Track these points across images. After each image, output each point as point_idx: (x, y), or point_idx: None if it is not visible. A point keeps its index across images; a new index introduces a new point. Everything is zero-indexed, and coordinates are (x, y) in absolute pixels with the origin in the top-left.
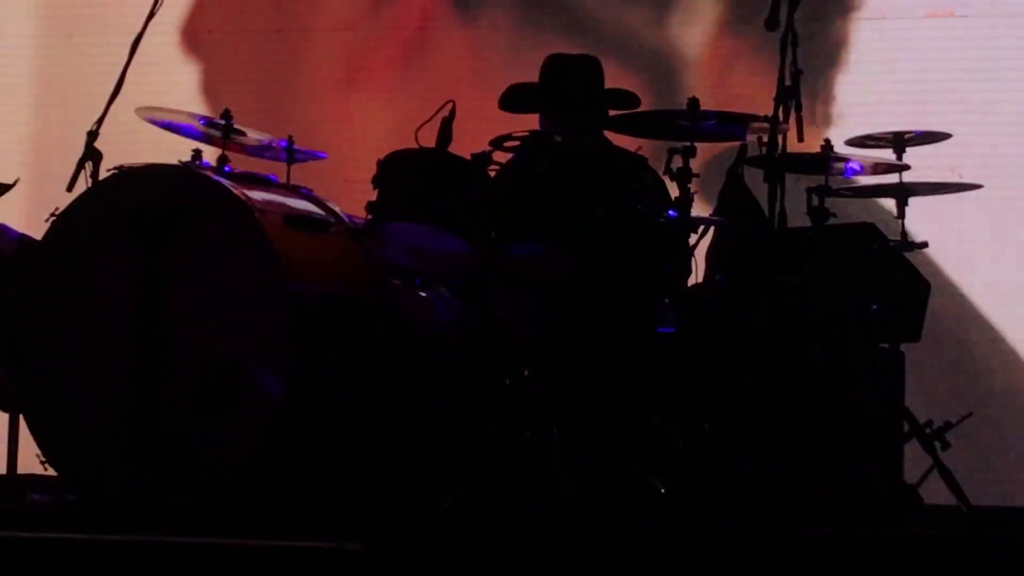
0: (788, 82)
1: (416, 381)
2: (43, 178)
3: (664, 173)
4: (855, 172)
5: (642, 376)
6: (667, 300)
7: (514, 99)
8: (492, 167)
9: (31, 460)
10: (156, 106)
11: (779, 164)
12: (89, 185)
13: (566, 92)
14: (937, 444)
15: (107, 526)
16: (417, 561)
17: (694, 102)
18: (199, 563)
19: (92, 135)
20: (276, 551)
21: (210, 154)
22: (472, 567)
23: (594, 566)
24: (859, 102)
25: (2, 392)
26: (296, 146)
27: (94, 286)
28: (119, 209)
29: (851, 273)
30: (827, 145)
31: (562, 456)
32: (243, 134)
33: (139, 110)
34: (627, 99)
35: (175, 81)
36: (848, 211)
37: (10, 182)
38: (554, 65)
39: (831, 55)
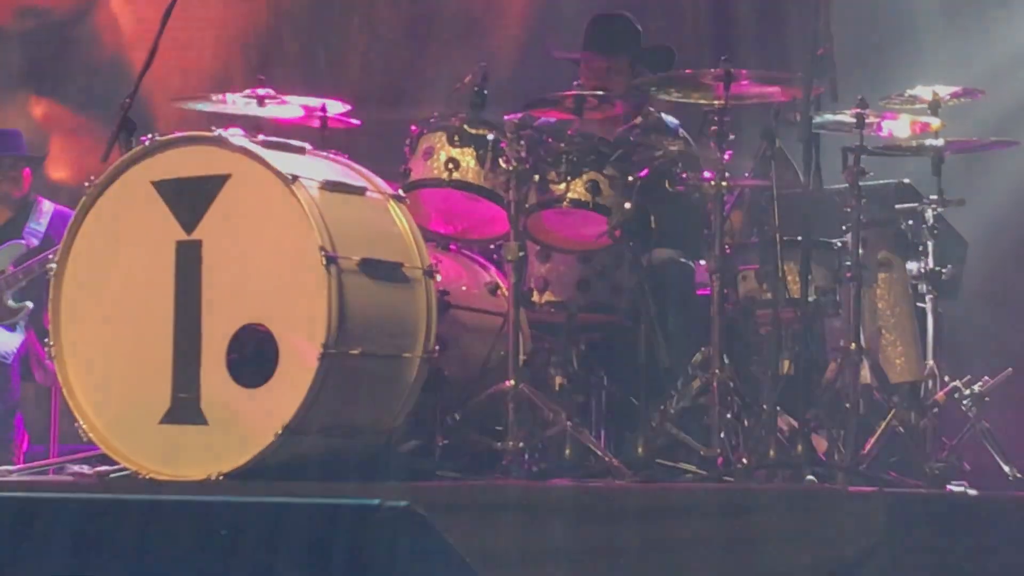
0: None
1: (451, 346)
2: (76, 149)
3: (699, 135)
4: (890, 131)
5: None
6: (703, 262)
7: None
8: (526, 130)
9: (71, 432)
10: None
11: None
12: (123, 155)
13: (596, 37)
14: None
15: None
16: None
17: (728, 63)
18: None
19: (125, 105)
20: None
21: None
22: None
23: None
24: (895, 62)
25: (41, 366)
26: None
27: (129, 256)
28: (154, 178)
29: (886, 232)
30: (862, 104)
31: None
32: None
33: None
34: (662, 53)
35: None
36: (884, 170)
37: (41, 155)
38: (594, 17)
39: (863, 15)
